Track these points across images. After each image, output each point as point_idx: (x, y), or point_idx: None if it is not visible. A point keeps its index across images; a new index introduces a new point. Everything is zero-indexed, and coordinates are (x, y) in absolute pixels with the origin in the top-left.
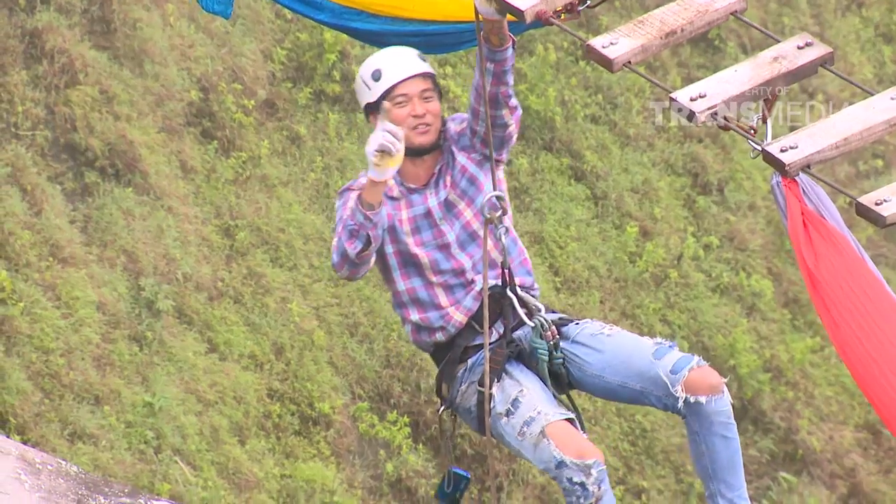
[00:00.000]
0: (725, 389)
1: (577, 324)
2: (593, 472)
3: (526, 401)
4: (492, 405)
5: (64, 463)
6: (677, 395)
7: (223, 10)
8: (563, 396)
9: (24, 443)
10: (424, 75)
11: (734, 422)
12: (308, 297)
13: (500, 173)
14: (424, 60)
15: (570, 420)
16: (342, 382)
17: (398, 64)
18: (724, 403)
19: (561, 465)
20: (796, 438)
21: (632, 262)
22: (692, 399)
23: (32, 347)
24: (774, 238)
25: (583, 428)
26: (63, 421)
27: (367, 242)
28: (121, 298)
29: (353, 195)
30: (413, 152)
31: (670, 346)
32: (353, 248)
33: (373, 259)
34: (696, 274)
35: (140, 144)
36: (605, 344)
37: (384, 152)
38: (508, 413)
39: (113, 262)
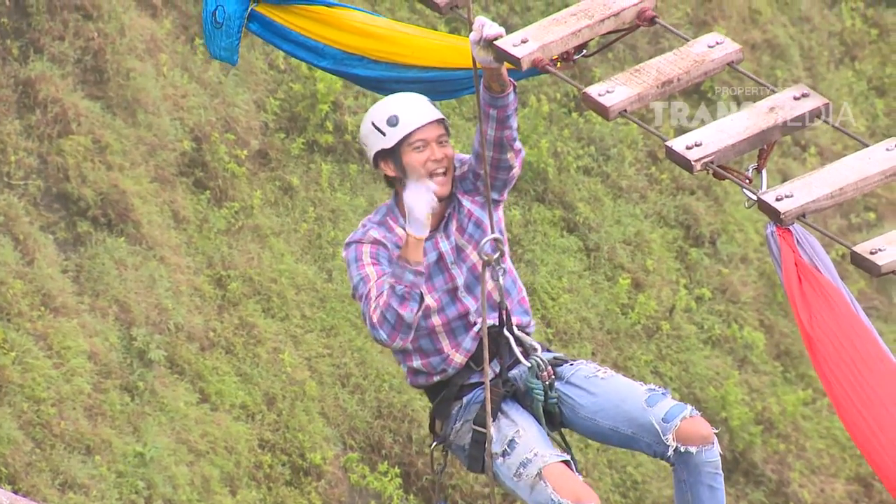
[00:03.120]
0: (716, 440)
1: (571, 364)
2: None
3: (522, 441)
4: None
5: None
6: (668, 443)
7: (230, 57)
8: (556, 435)
9: (16, 492)
10: (439, 121)
11: (721, 472)
12: (300, 348)
13: (500, 212)
14: (436, 106)
15: (566, 462)
16: (333, 433)
17: (415, 110)
18: (713, 454)
19: None
20: (787, 491)
21: (624, 314)
22: (683, 449)
23: (24, 397)
24: (766, 290)
25: (577, 469)
26: (54, 470)
27: (421, 300)
28: (112, 348)
29: (367, 249)
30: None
31: (663, 394)
32: (410, 312)
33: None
34: (687, 326)
35: (132, 194)
36: (599, 387)
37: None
38: (504, 454)
39: (105, 311)
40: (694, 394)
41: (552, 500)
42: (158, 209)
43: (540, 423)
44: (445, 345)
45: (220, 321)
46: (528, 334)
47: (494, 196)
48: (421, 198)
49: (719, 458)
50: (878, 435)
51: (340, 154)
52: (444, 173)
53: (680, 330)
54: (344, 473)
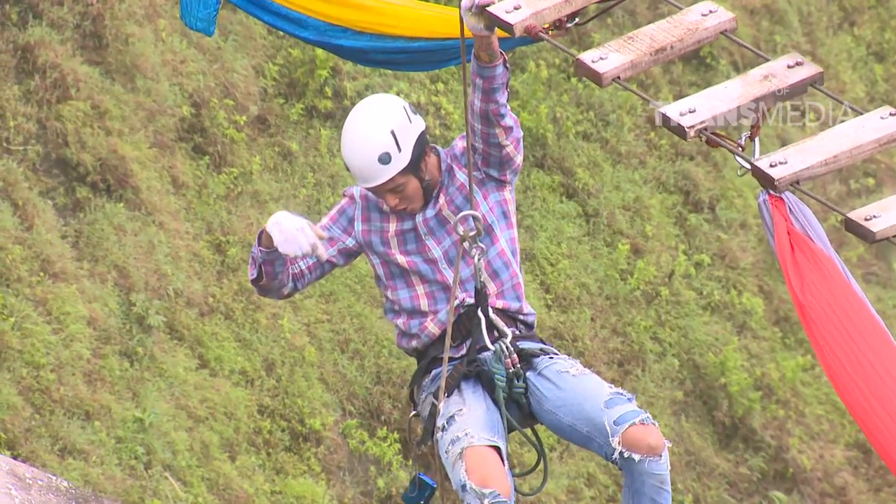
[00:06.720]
0: (665, 454)
1: (551, 357)
2: (486, 501)
3: (460, 420)
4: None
5: (54, 478)
6: (613, 446)
7: (206, 28)
8: (528, 431)
9: (15, 458)
10: (387, 181)
11: (668, 489)
12: (299, 314)
13: (505, 193)
14: (387, 130)
15: (496, 448)
16: (333, 399)
17: (362, 171)
18: (659, 467)
19: (463, 488)
20: (787, 457)
21: (623, 280)
22: (626, 454)
23: (23, 362)
24: (766, 256)
25: (543, 461)
26: (53, 436)
27: (261, 275)
28: (112, 314)
29: (335, 210)
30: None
31: (628, 399)
32: (249, 274)
33: (286, 289)
34: (687, 292)
35: (131, 160)
36: (567, 383)
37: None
38: (443, 428)
39: (104, 277)
40: (693, 360)
41: (460, 479)
42: (157, 175)
43: (499, 409)
44: (425, 306)
45: (220, 287)
46: (520, 320)
47: (493, 174)
48: (290, 234)
49: (667, 472)
50: (869, 399)
51: (339, 119)
52: (407, 205)
53: (679, 296)
54: (343, 439)
